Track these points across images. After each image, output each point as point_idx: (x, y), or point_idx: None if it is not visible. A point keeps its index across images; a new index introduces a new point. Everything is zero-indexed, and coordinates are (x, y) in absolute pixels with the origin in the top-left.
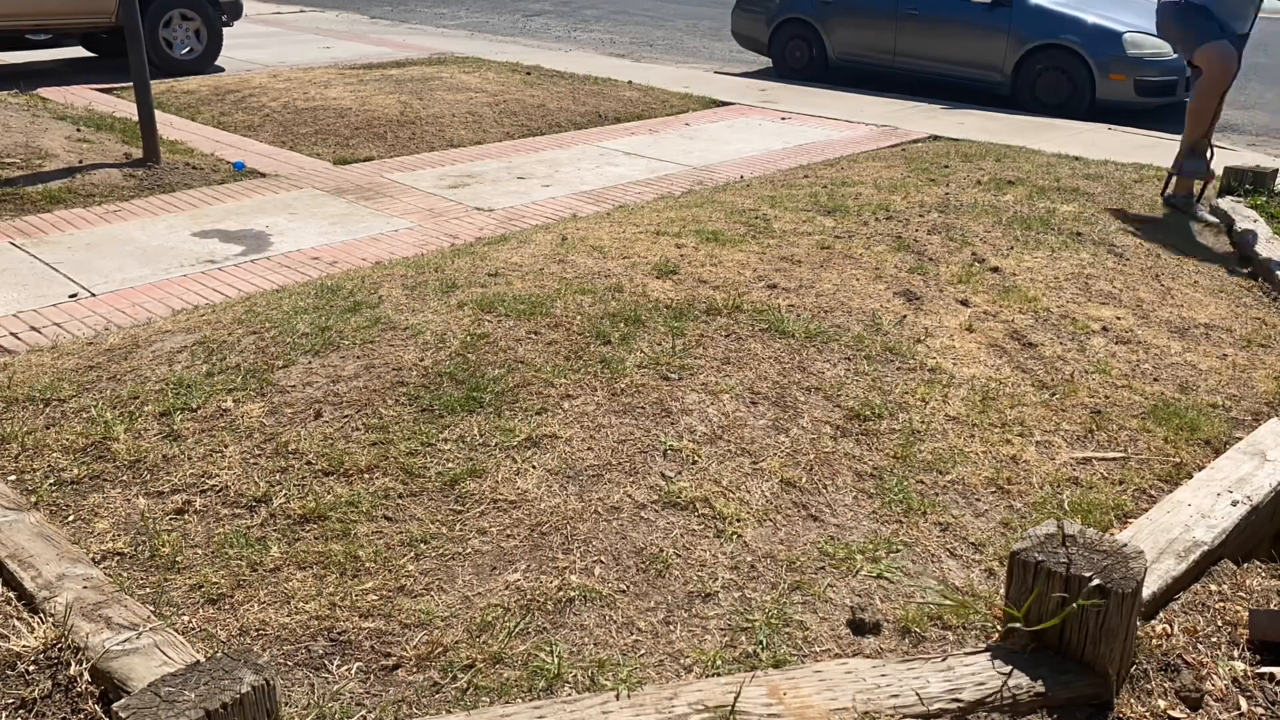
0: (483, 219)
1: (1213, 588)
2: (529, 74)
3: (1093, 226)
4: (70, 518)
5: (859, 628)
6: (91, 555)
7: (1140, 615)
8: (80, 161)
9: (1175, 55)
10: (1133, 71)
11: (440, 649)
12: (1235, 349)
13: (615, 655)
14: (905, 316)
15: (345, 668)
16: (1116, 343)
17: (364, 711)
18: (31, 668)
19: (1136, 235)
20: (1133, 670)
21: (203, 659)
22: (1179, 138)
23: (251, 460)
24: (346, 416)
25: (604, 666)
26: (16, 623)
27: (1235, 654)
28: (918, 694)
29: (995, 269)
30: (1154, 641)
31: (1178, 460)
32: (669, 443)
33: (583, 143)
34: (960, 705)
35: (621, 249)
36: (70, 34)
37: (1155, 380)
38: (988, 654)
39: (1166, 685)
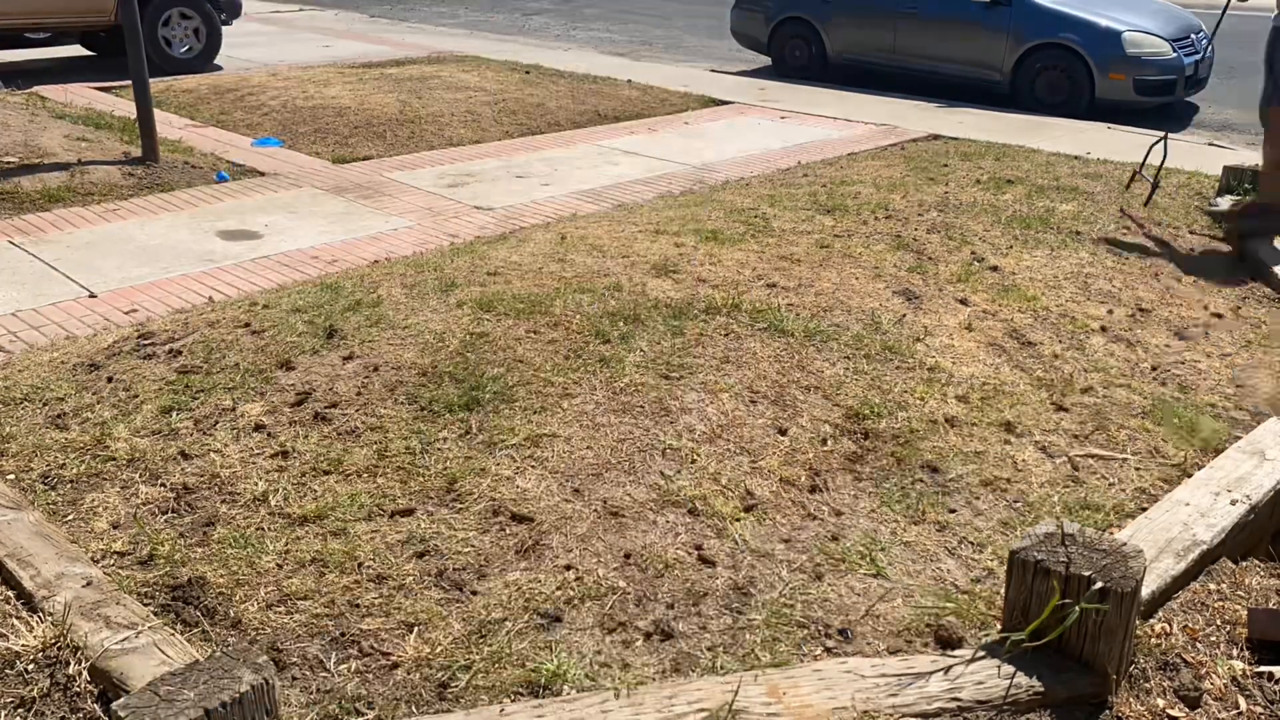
0: (482, 218)
1: (1211, 586)
2: (528, 73)
3: (1092, 226)
4: (69, 516)
5: (858, 627)
6: (90, 554)
7: (1139, 614)
8: (79, 160)
9: (1174, 54)
10: (1132, 71)
11: (440, 648)
12: (1235, 349)
13: (615, 654)
14: (904, 315)
15: (345, 667)
16: (1115, 342)
17: (364, 711)
18: (30, 666)
19: (1135, 235)
20: (1132, 669)
21: (202, 658)
22: (1178, 137)
23: (250, 459)
24: (346, 416)
25: (603, 666)
26: (15, 622)
27: (1234, 653)
28: (917, 693)
29: (994, 268)
30: (1153, 640)
31: (1177, 460)
32: (668, 442)
33: (582, 141)
34: (959, 704)
35: (621, 248)
36: (69, 33)
37: (1154, 380)
38: (987, 653)
39: (1165, 684)
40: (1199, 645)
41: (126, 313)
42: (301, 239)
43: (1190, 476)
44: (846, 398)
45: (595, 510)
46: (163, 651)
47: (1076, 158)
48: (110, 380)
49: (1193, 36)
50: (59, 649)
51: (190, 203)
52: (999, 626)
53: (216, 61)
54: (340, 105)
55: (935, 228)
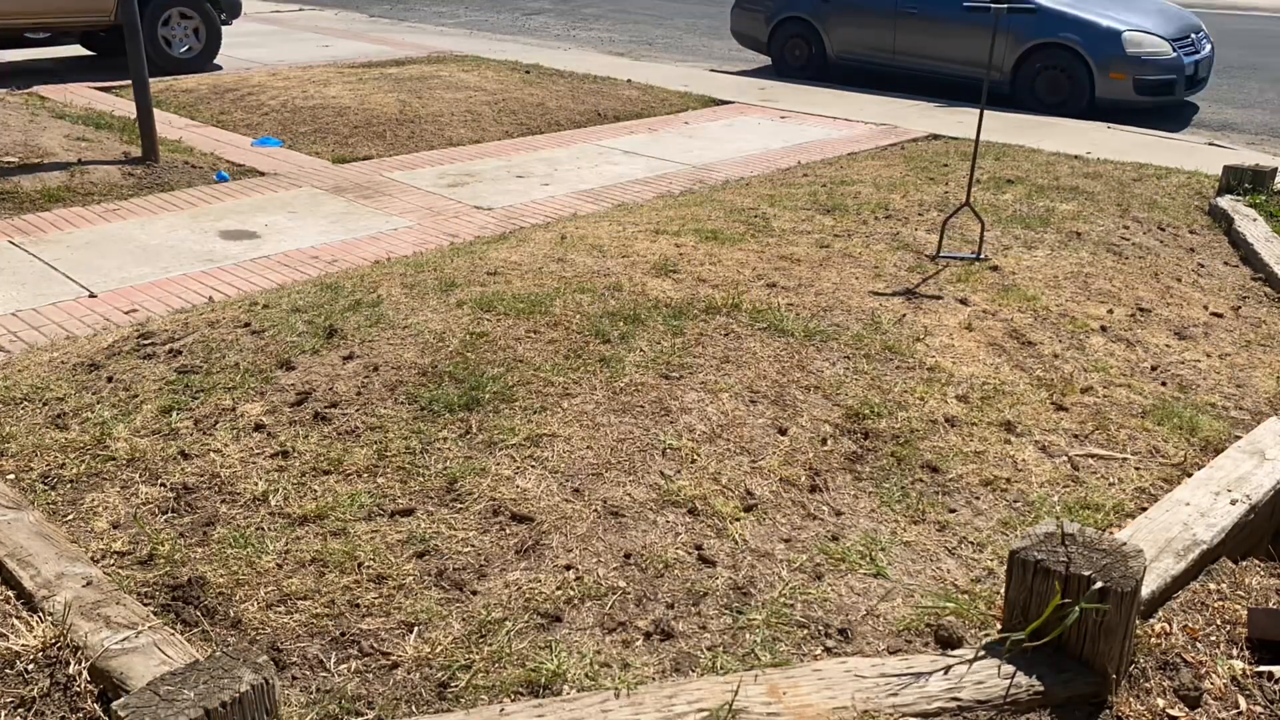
0: (482, 218)
1: (1211, 586)
2: (528, 72)
3: (1092, 225)
4: (69, 516)
5: (858, 627)
6: (90, 554)
7: (1139, 614)
8: (79, 160)
9: (1174, 54)
10: (1132, 70)
11: (440, 648)
12: (1235, 348)
13: (615, 654)
14: (904, 315)
15: (345, 667)
16: (1115, 341)
17: (364, 711)
18: (30, 666)
19: (1136, 234)
20: (1131, 669)
21: (202, 658)
22: (1178, 137)
23: (250, 459)
24: (346, 415)
25: (604, 665)
26: (15, 621)
27: (1234, 653)
28: (917, 693)
29: (994, 268)
30: (1153, 640)
31: (1177, 459)
32: (668, 441)
33: (582, 141)
34: (959, 704)
35: (621, 248)
36: (69, 33)
37: (1154, 379)
38: (987, 653)
39: (1165, 684)
40: (1199, 645)
41: (126, 313)
42: (301, 239)
43: (1190, 476)
44: (846, 397)
45: (595, 510)
46: (163, 651)
47: (1076, 157)
48: (110, 380)
49: (1193, 36)
50: (59, 649)
51: (190, 202)
52: (999, 626)
53: (216, 61)
54: (340, 105)
55: (935, 227)
